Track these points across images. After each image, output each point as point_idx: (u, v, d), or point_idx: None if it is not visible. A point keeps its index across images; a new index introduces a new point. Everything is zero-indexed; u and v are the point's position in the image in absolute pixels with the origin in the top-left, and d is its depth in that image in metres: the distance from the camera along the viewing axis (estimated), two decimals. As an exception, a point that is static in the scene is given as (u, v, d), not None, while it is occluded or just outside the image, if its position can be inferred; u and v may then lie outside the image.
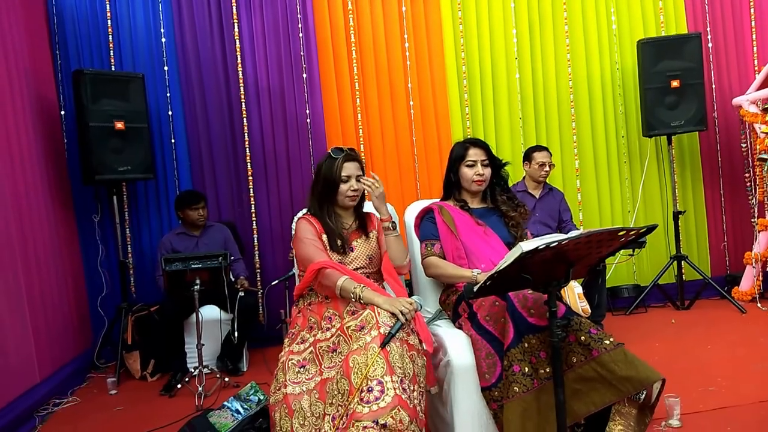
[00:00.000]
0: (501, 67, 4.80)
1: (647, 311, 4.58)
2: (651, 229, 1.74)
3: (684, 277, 4.66)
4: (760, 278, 4.58)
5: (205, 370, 3.38)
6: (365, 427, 1.70)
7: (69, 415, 3.23)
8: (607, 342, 1.93)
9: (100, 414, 3.22)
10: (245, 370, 3.84)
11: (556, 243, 1.61)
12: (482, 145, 2.55)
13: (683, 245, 4.76)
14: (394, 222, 2.37)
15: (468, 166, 2.53)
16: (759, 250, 4.55)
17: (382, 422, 1.71)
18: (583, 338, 1.95)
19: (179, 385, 3.45)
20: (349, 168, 2.35)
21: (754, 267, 4.56)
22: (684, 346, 3.61)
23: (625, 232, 1.71)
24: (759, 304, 4.43)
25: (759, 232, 4.58)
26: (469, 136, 4.40)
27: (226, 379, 3.47)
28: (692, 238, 5.01)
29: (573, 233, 1.65)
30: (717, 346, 3.54)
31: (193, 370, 3.43)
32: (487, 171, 2.53)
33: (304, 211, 2.48)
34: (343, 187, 2.34)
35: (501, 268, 1.68)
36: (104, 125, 3.87)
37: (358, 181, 2.36)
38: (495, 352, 2.08)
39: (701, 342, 3.65)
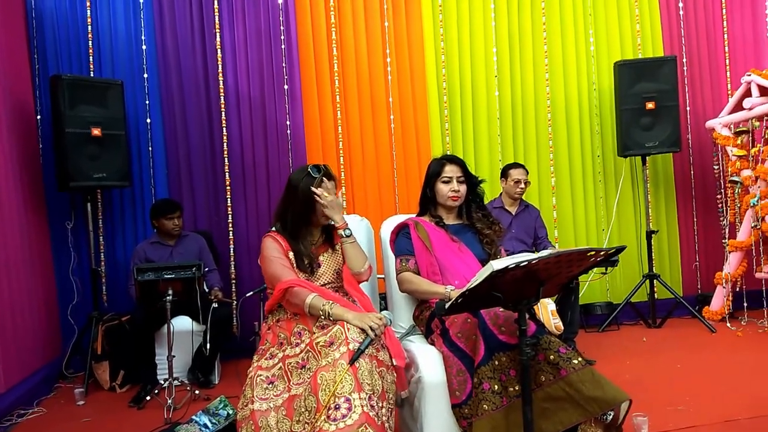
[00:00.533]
0: (481, 85, 4.86)
1: (619, 329, 4.64)
2: (619, 250, 1.77)
3: (656, 296, 4.73)
4: (730, 298, 4.66)
5: (176, 382, 3.33)
6: (331, 445, 1.70)
7: (34, 427, 3.16)
8: (576, 362, 1.94)
9: (66, 425, 3.15)
10: (217, 382, 3.79)
11: (527, 262, 1.62)
12: (458, 162, 2.57)
13: (656, 264, 4.83)
14: (349, 229, 2.33)
15: (444, 182, 2.55)
16: (729, 271, 4.63)
17: (349, 440, 1.71)
18: (552, 357, 1.96)
19: (148, 397, 3.40)
20: (329, 185, 2.35)
21: (724, 287, 4.64)
22: (654, 364, 3.65)
23: (594, 253, 1.73)
24: (729, 324, 4.50)
25: (729, 252, 4.67)
26: (448, 152, 4.44)
27: (197, 391, 3.42)
28: (665, 258, 5.09)
29: (543, 253, 1.67)
30: (686, 365, 3.59)
31: (163, 382, 3.38)
32: (463, 188, 2.55)
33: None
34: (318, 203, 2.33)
35: (472, 285, 1.69)
36: (81, 131, 3.83)
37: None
38: (466, 369, 2.09)
39: (671, 361, 3.70)
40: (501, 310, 2.06)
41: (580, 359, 1.96)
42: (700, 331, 4.40)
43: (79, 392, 3.52)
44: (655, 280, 4.69)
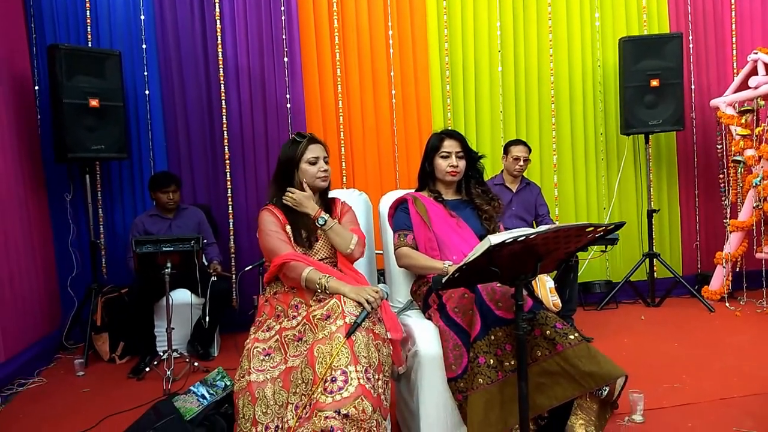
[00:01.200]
0: (484, 60, 4.80)
1: (618, 307, 4.64)
2: (618, 226, 1.74)
3: (656, 275, 4.73)
4: (730, 278, 4.66)
5: (175, 354, 3.35)
6: (327, 417, 1.69)
7: (34, 396, 3.19)
8: (572, 337, 1.94)
9: (66, 395, 3.18)
10: (216, 355, 3.82)
11: (524, 237, 1.61)
12: (457, 137, 2.54)
13: (656, 243, 4.82)
14: (323, 217, 2.28)
15: (442, 157, 2.53)
16: (729, 251, 4.62)
17: (345, 412, 1.71)
18: (548, 332, 1.96)
19: (147, 369, 3.43)
20: (316, 150, 2.33)
21: (724, 267, 4.64)
22: (652, 342, 3.66)
23: (592, 228, 1.72)
24: (727, 304, 4.51)
25: (730, 232, 4.66)
26: (449, 128, 4.40)
27: (195, 363, 3.45)
28: (665, 237, 5.08)
29: (541, 228, 1.66)
30: (684, 344, 3.60)
31: (162, 354, 3.40)
32: (462, 163, 2.53)
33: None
34: (313, 169, 2.31)
35: (469, 260, 1.68)
36: (79, 102, 3.80)
37: (326, 163, 2.35)
38: (462, 344, 2.09)
39: (669, 339, 3.71)
40: (498, 285, 2.06)
41: (576, 335, 1.95)
42: (699, 310, 4.41)
43: (78, 363, 3.54)
44: (654, 259, 4.69)
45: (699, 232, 5.17)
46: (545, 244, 1.74)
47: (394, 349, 2.11)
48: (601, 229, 1.73)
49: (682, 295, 4.78)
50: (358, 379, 1.78)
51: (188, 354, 3.67)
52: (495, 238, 1.60)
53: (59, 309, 4.18)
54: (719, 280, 4.69)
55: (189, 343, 3.80)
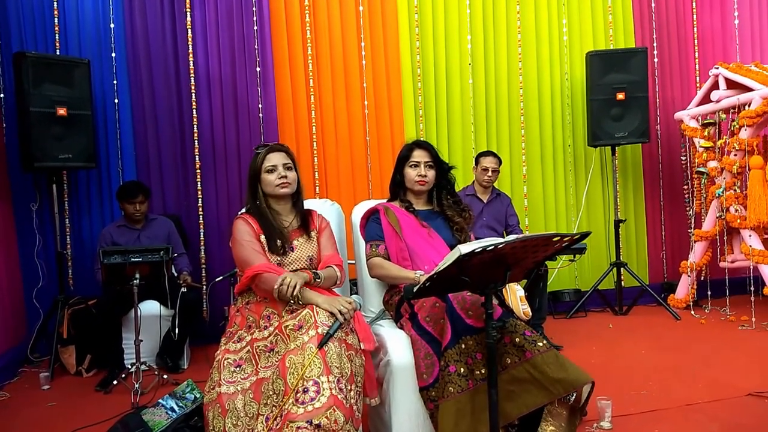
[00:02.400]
0: (455, 72, 4.86)
1: (587, 315, 4.72)
2: (584, 236, 1.79)
3: (623, 284, 4.82)
4: (695, 287, 4.77)
5: (144, 367, 3.30)
6: (299, 428, 1.69)
7: (-3, 411, 3.11)
8: (541, 344, 1.97)
9: (30, 409, 3.10)
10: (185, 367, 3.76)
11: (493, 246, 1.63)
12: (427, 147, 2.57)
13: (623, 253, 4.92)
14: (317, 275, 2.25)
15: (411, 166, 2.56)
16: (694, 260, 4.74)
17: (317, 422, 1.70)
18: (517, 340, 1.99)
19: (115, 381, 3.36)
20: (273, 158, 2.32)
21: (689, 276, 4.75)
22: (620, 350, 3.73)
23: (559, 238, 1.75)
24: (693, 312, 4.61)
25: (695, 242, 4.77)
26: (421, 138, 4.44)
27: (165, 376, 3.39)
28: (632, 246, 5.19)
29: (509, 237, 1.69)
30: (651, 351, 3.67)
31: (130, 367, 3.34)
32: (431, 173, 2.55)
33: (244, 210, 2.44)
34: (271, 177, 2.30)
35: (440, 269, 1.70)
36: (46, 111, 3.73)
37: (287, 168, 2.33)
38: (434, 353, 2.10)
39: (636, 347, 3.78)
40: (468, 294, 2.08)
41: (544, 342, 1.99)
42: (665, 318, 4.50)
43: (44, 376, 3.46)
44: (622, 269, 4.78)
45: (665, 241, 5.29)
46: (514, 254, 1.77)
47: (367, 379, 2.11)
48: (567, 238, 1.76)
49: (649, 304, 4.87)
50: (330, 389, 1.78)
51: (157, 366, 3.60)
52: (465, 248, 1.63)
53: (24, 321, 4.08)
54: (684, 288, 4.80)
55: (158, 355, 3.74)
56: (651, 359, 3.51)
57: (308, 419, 1.71)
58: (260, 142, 4.44)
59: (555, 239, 1.75)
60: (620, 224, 4.82)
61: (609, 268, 4.81)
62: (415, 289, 1.81)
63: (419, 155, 2.55)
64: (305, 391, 1.77)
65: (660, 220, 5.28)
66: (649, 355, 3.59)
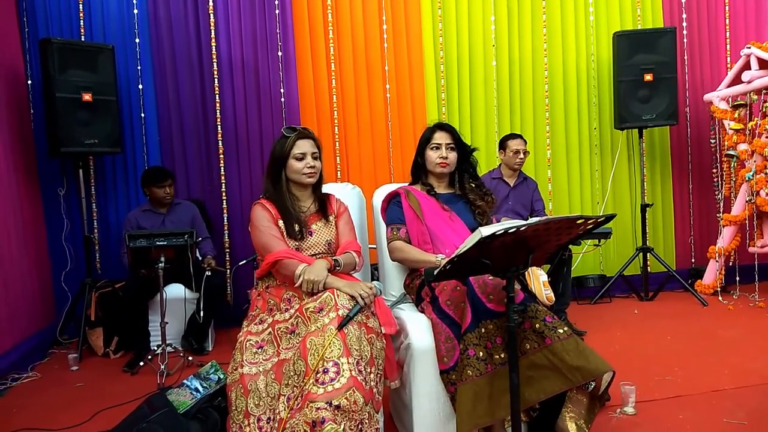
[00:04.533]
0: (478, 54, 4.80)
1: (611, 301, 4.66)
2: (608, 218, 1.75)
3: (649, 269, 4.74)
4: (723, 272, 4.68)
5: (169, 349, 3.36)
6: (318, 408, 1.70)
7: (28, 390, 3.19)
8: (561, 331, 1.95)
9: (60, 389, 3.18)
10: (210, 349, 3.82)
11: (515, 228, 1.61)
12: (448, 129, 2.55)
13: (649, 238, 4.84)
14: (336, 261, 2.23)
15: (433, 148, 2.53)
16: (723, 245, 4.64)
17: (336, 403, 1.71)
18: (537, 326, 1.96)
19: (141, 363, 3.42)
20: (303, 145, 2.30)
21: (717, 261, 4.66)
22: (645, 336, 3.68)
23: (583, 220, 1.72)
24: (720, 298, 4.53)
25: (723, 227, 4.67)
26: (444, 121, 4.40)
27: (190, 358, 3.45)
28: (659, 231, 5.10)
29: (532, 220, 1.66)
30: (677, 337, 3.61)
31: (156, 348, 3.40)
32: (452, 155, 2.53)
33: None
34: (299, 165, 2.29)
35: (461, 251, 1.68)
36: (71, 96, 3.79)
37: (315, 158, 2.32)
38: (454, 336, 2.09)
39: (662, 333, 3.73)
40: (490, 278, 2.06)
41: (565, 329, 1.96)
42: (692, 304, 4.43)
43: (72, 357, 3.54)
44: (648, 254, 4.70)
45: (692, 226, 5.19)
46: (536, 236, 1.74)
47: (388, 363, 2.10)
48: (591, 221, 1.73)
49: (676, 290, 4.80)
50: (350, 370, 1.78)
51: (182, 349, 3.67)
52: (486, 230, 1.61)
53: (53, 304, 4.17)
54: (712, 274, 4.71)
55: (183, 338, 3.80)
56: (676, 345, 3.47)
57: (328, 400, 1.71)
58: (282, 126, 4.44)
59: (579, 221, 1.72)
60: (647, 208, 4.73)
61: (635, 253, 4.74)
62: (435, 272, 1.80)
63: (441, 137, 2.52)
64: (325, 371, 1.77)
65: (688, 204, 5.18)
66: (675, 341, 3.54)
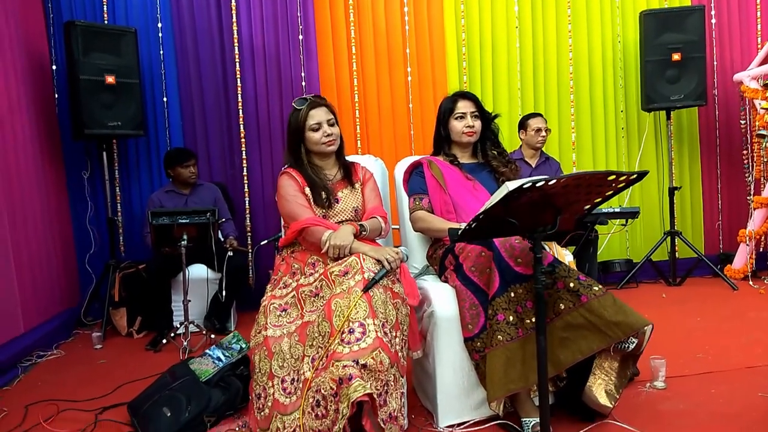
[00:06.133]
0: (501, 36, 4.73)
1: (638, 286, 4.56)
2: (641, 175, 1.69)
3: (677, 254, 4.63)
4: (753, 257, 4.55)
5: (192, 328, 3.36)
6: (345, 366, 1.67)
7: (52, 366, 3.22)
8: (596, 288, 1.90)
9: (83, 366, 3.20)
10: (233, 329, 3.81)
11: (543, 182, 1.57)
12: (471, 97, 2.51)
13: (677, 222, 4.73)
14: (362, 227, 2.21)
15: (457, 118, 2.49)
16: (753, 228, 4.52)
17: (363, 362, 1.68)
18: (572, 285, 1.91)
19: (164, 341, 3.43)
20: (317, 115, 2.26)
21: (747, 245, 4.54)
22: (674, 318, 3.59)
23: (614, 177, 1.67)
24: (751, 282, 4.41)
25: (754, 209, 4.55)
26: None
27: (212, 336, 3.45)
28: (687, 215, 4.99)
29: (562, 175, 1.61)
30: (707, 319, 3.53)
31: (179, 326, 3.40)
32: (477, 123, 2.49)
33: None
34: (316, 135, 2.26)
35: (487, 207, 1.64)
36: (95, 79, 3.80)
37: (331, 125, 2.28)
38: (479, 303, 2.06)
39: (691, 315, 3.64)
40: (517, 241, 2.02)
41: (600, 286, 1.91)
42: (722, 289, 4.32)
43: (96, 336, 3.57)
44: (676, 238, 4.60)
45: (721, 210, 5.06)
46: (565, 194, 1.70)
47: (411, 333, 2.07)
48: (623, 177, 1.68)
49: (704, 275, 4.68)
50: (376, 331, 1.76)
51: (205, 328, 3.67)
52: (512, 184, 1.57)
53: (77, 286, 4.21)
54: (742, 258, 4.59)
55: (206, 318, 3.79)
56: (707, 325, 3.38)
57: (354, 359, 1.69)
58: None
59: (610, 178, 1.67)
60: (675, 192, 4.62)
61: (663, 237, 4.63)
62: (460, 231, 1.76)
63: (464, 106, 2.48)
64: (351, 332, 1.75)
65: (717, 187, 5.05)
66: (705, 322, 3.46)
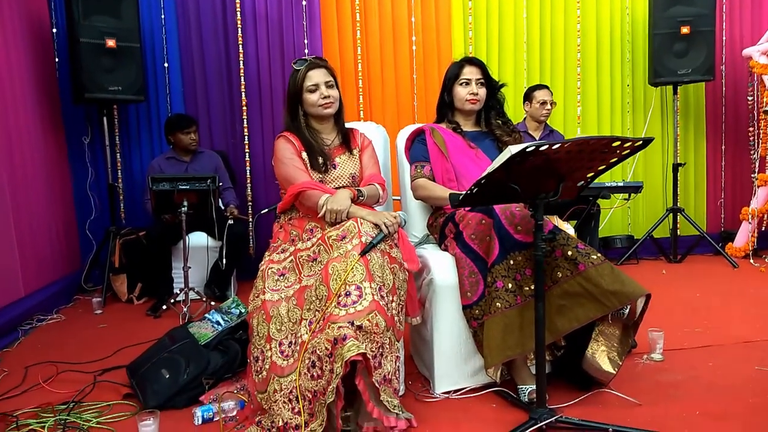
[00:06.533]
0: (508, 5, 4.66)
1: (639, 263, 4.56)
2: (646, 142, 1.67)
3: (678, 232, 4.61)
4: (756, 235, 4.54)
5: (192, 294, 3.37)
6: (340, 327, 1.67)
7: (52, 330, 3.24)
8: (595, 257, 1.89)
9: (83, 330, 3.22)
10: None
11: (547, 147, 1.54)
12: (478, 64, 2.46)
13: (680, 199, 4.70)
14: (359, 191, 2.18)
15: (462, 84, 2.45)
16: (756, 206, 4.50)
17: (358, 324, 1.68)
18: (570, 253, 1.90)
19: (164, 306, 3.44)
20: (315, 76, 2.21)
21: (750, 222, 4.52)
22: (673, 293, 3.59)
23: (619, 143, 1.65)
24: (752, 260, 4.40)
25: (758, 187, 4.52)
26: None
27: (212, 303, 3.46)
28: (690, 192, 4.97)
29: (565, 140, 1.59)
30: (706, 295, 3.53)
31: (179, 292, 3.41)
32: (482, 91, 2.45)
33: None
34: (313, 97, 2.21)
35: (489, 172, 1.63)
36: (95, 42, 3.75)
37: (329, 87, 2.23)
38: (478, 271, 2.05)
39: (690, 290, 3.64)
40: (517, 209, 2.00)
41: (598, 255, 1.90)
42: (722, 266, 4.32)
43: (96, 301, 3.58)
44: (678, 215, 4.57)
45: (725, 188, 5.04)
46: (568, 160, 1.68)
47: (409, 299, 2.05)
48: (628, 144, 1.65)
49: (705, 253, 4.68)
50: (372, 294, 1.75)
51: (205, 296, 3.68)
52: (515, 148, 1.54)
53: (78, 251, 4.21)
54: (744, 236, 4.57)
55: (206, 285, 3.79)
56: (706, 301, 3.38)
57: (350, 320, 1.68)
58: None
59: (615, 144, 1.64)
60: (679, 168, 4.59)
61: (665, 213, 4.61)
62: (461, 197, 1.74)
63: (470, 72, 2.44)
64: (347, 294, 1.74)
65: (721, 164, 5.02)
66: (705, 298, 3.46)
